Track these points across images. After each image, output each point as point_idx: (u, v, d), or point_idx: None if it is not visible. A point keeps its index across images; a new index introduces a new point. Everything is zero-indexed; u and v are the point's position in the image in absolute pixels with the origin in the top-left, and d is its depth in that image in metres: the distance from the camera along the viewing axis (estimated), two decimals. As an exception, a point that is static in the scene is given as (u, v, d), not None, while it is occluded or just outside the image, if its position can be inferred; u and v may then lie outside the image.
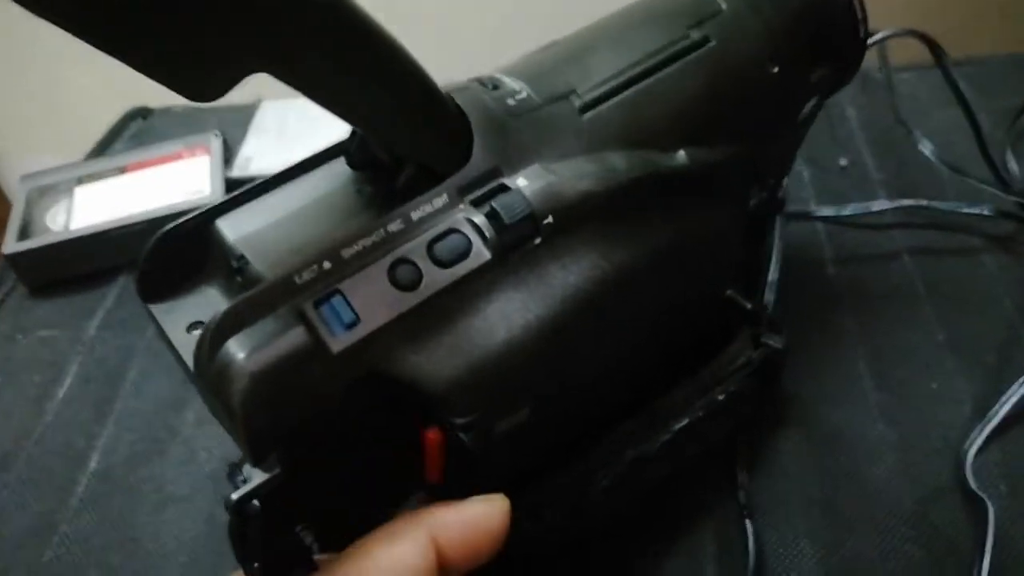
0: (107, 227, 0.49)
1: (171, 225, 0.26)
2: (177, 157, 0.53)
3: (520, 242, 0.24)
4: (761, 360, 0.36)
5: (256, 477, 0.22)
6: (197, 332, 0.25)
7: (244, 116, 0.57)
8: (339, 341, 0.22)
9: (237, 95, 0.60)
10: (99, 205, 0.51)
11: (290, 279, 0.22)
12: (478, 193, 0.25)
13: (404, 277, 0.23)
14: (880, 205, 0.48)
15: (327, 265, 0.22)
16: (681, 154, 0.30)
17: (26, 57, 0.99)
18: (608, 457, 0.32)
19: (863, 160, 0.52)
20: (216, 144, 0.54)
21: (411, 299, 0.23)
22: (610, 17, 0.33)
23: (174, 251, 0.26)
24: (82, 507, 0.39)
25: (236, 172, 0.51)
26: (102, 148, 0.62)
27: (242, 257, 0.25)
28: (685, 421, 0.33)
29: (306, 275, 0.22)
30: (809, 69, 0.34)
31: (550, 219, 0.25)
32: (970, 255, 0.46)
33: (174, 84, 0.19)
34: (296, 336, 0.21)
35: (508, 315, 0.25)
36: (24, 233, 0.50)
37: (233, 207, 0.27)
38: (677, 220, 0.29)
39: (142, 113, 0.66)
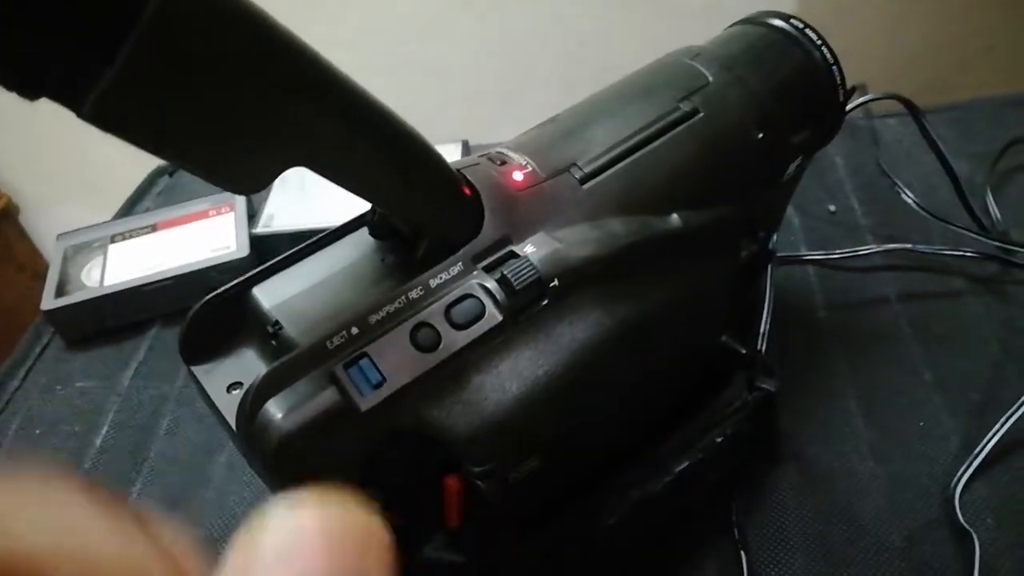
0: (140, 282, 0.52)
1: (212, 294, 0.29)
2: (204, 215, 0.57)
3: (529, 304, 0.27)
4: (756, 403, 0.38)
5: None
6: (237, 392, 0.27)
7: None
8: (367, 400, 0.24)
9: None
10: (132, 261, 0.54)
11: (322, 344, 0.24)
12: (489, 260, 0.27)
13: (425, 340, 0.25)
14: (867, 249, 0.50)
15: (355, 330, 0.25)
16: (675, 217, 0.32)
17: (52, 110, 1.03)
18: (614, 499, 0.34)
19: (851, 206, 0.55)
20: (241, 202, 0.57)
21: (431, 359, 0.25)
22: (605, 91, 0.36)
23: (214, 317, 0.29)
24: (120, 550, 0.42)
25: (260, 229, 0.54)
26: (131, 205, 0.66)
27: (277, 323, 0.27)
28: (686, 463, 0.36)
29: (336, 340, 0.25)
30: (792, 133, 0.37)
31: (556, 282, 0.27)
32: (955, 296, 0.48)
33: (223, 183, 0.22)
34: (328, 397, 0.24)
35: (519, 371, 0.27)
36: (61, 290, 0.53)
37: (267, 276, 0.29)
38: (673, 276, 0.32)
39: (168, 170, 0.70)
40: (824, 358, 0.45)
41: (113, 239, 0.56)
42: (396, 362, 0.25)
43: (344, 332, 0.25)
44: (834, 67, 0.38)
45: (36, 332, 0.55)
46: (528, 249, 0.28)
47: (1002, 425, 0.40)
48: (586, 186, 0.30)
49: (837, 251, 0.51)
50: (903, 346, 0.46)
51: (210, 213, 0.57)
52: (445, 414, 0.26)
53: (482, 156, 0.31)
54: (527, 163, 0.31)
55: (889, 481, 0.39)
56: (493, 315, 0.26)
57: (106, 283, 0.53)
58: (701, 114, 0.33)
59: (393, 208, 0.27)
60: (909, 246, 0.49)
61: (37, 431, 0.49)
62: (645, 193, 0.32)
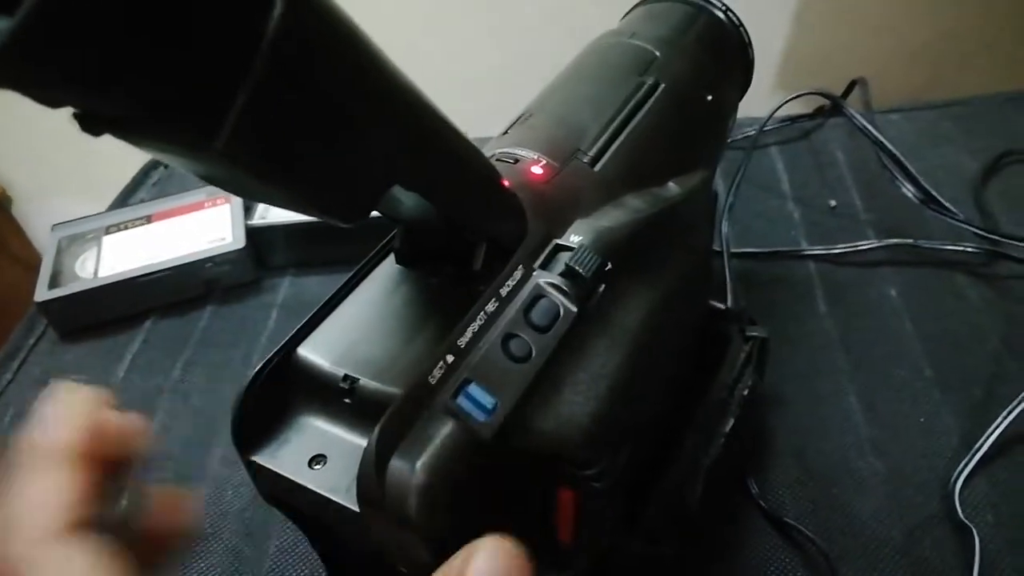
0: (134, 274, 0.52)
1: (252, 375, 0.25)
2: (199, 207, 0.56)
3: (592, 291, 0.26)
4: (758, 350, 0.38)
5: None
6: (321, 467, 0.24)
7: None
8: (487, 427, 0.22)
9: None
10: (126, 253, 0.54)
11: (424, 382, 0.22)
12: (542, 257, 0.27)
13: (518, 351, 0.24)
14: (868, 244, 0.50)
15: (450, 358, 0.23)
16: (671, 185, 0.32)
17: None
18: (690, 469, 0.34)
19: (852, 201, 0.55)
20: (236, 193, 0.56)
21: (529, 370, 0.24)
22: (564, 80, 0.36)
23: (262, 396, 0.25)
24: (114, 544, 0.41)
25: (256, 220, 0.53)
26: (126, 196, 0.65)
27: (347, 377, 0.24)
28: (732, 421, 0.36)
29: (437, 373, 0.22)
30: (727, 91, 0.39)
31: (609, 265, 0.27)
32: (955, 291, 0.48)
33: (331, 211, 0.21)
34: (453, 435, 0.22)
35: (602, 362, 0.26)
36: (55, 281, 0.52)
37: (306, 334, 0.26)
38: (680, 242, 0.32)
39: (163, 162, 0.69)
40: (824, 354, 0.45)
41: (108, 230, 0.56)
42: (499, 380, 0.23)
43: (441, 363, 0.23)
44: (741, 28, 0.41)
45: (29, 324, 0.55)
46: (574, 239, 0.27)
47: (1002, 421, 0.40)
48: (596, 168, 0.31)
49: (838, 246, 0.50)
50: (904, 342, 0.45)
51: (205, 204, 0.56)
52: (553, 424, 0.24)
53: (491, 157, 0.31)
54: (538, 156, 0.30)
55: (889, 477, 0.39)
56: (569, 310, 0.25)
57: (100, 274, 0.52)
58: (663, 86, 0.34)
59: (468, 216, 0.26)
60: (910, 241, 0.49)
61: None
62: (644, 166, 0.32)
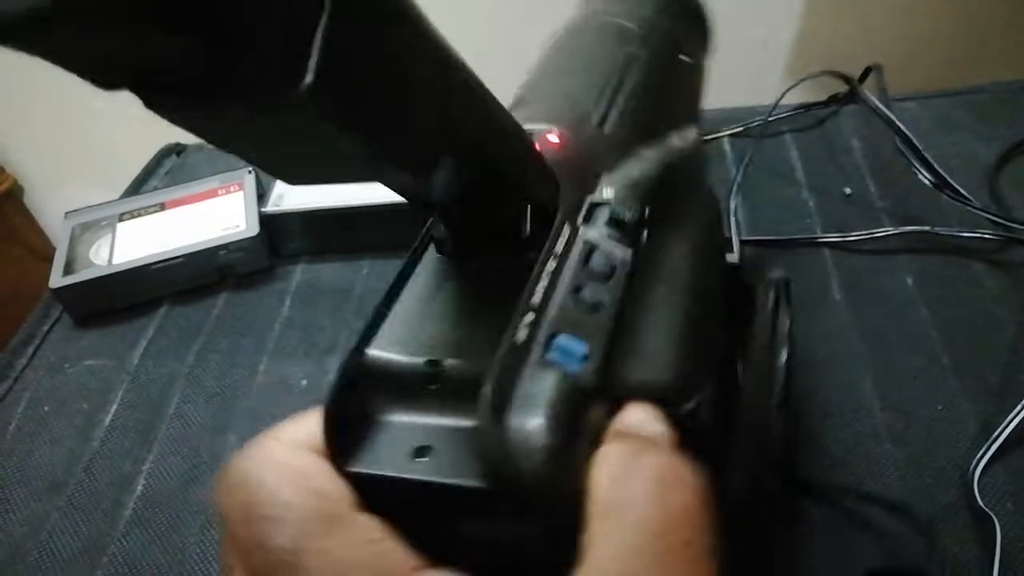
0: (148, 261, 0.52)
1: (333, 393, 0.23)
2: (213, 194, 0.56)
3: (638, 237, 0.27)
4: (782, 290, 0.38)
5: None
6: (427, 458, 0.23)
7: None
8: (586, 374, 0.22)
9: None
10: (140, 240, 0.54)
11: (513, 343, 0.22)
12: (583, 214, 0.27)
13: (590, 299, 0.24)
14: (884, 231, 0.50)
15: (530, 317, 0.23)
16: (674, 137, 0.33)
17: (59, 91, 1.03)
18: (768, 413, 0.34)
19: (867, 188, 0.54)
20: (250, 180, 0.56)
21: (604, 319, 0.24)
22: (549, 60, 0.37)
23: (343, 409, 0.24)
24: (129, 530, 0.42)
25: (270, 208, 0.54)
26: (138, 185, 0.65)
27: (431, 362, 0.24)
28: (786, 352, 0.35)
29: (522, 333, 0.22)
30: (697, 51, 0.41)
31: (647, 211, 0.27)
32: (972, 279, 0.47)
33: (395, 175, 0.21)
34: (559, 386, 0.22)
35: (669, 305, 0.26)
36: (69, 268, 0.53)
37: (370, 337, 0.25)
38: (697, 187, 0.33)
39: (176, 150, 0.69)
40: (840, 341, 0.45)
41: (121, 217, 0.56)
42: (582, 331, 0.23)
43: (524, 322, 0.22)
44: None
45: (44, 310, 0.55)
46: (607, 193, 0.28)
47: (1021, 409, 0.40)
48: (605, 128, 0.31)
49: (853, 233, 0.50)
50: (920, 329, 0.45)
51: (219, 192, 0.56)
52: (642, 366, 0.25)
53: None
54: (548, 127, 0.31)
55: (906, 464, 0.39)
56: (624, 257, 0.26)
57: (114, 261, 0.52)
58: (645, 53, 0.35)
59: (517, 179, 0.26)
60: (927, 228, 0.49)
61: (45, 408, 0.49)
62: (648, 122, 0.33)
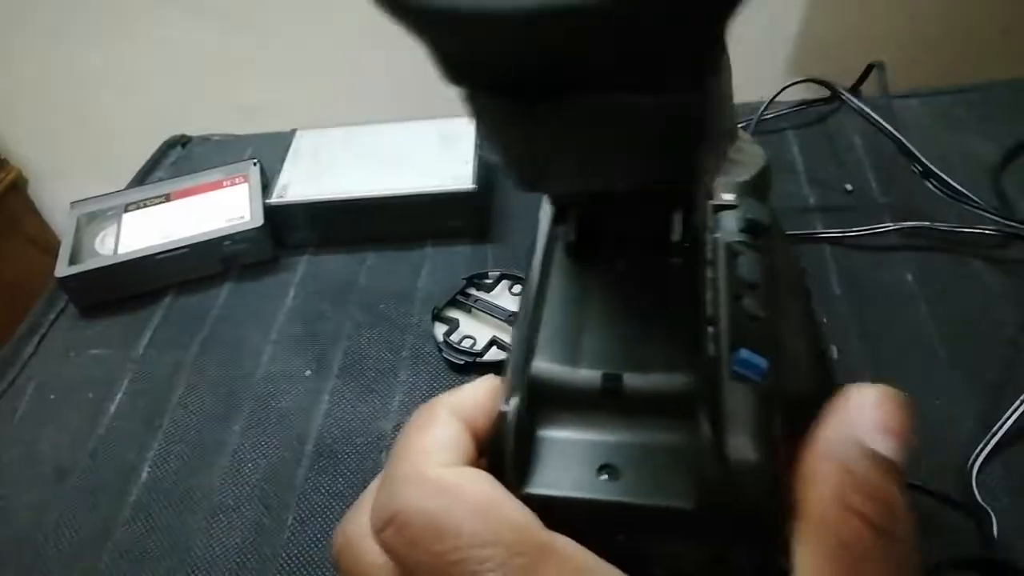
0: (153, 251, 0.52)
1: (512, 406, 0.22)
2: (218, 185, 0.57)
3: (768, 242, 0.26)
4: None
5: None
6: (612, 478, 0.22)
7: (277, 143, 0.60)
8: (766, 387, 0.22)
9: (271, 124, 0.63)
10: (146, 230, 0.54)
11: (707, 357, 0.21)
12: (715, 218, 0.27)
13: (751, 310, 0.24)
14: (884, 227, 0.50)
15: (711, 330, 0.22)
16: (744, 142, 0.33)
17: (66, 82, 1.03)
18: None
19: (868, 185, 0.54)
20: (255, 172, 0.57)
21: (767, 328, 0.23)
22: None
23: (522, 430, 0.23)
24: (134, 516, 0.42)
25: (275, 199, 0.54)
26: (143, 176, 0.66)
27: (609, 376, 0.22)
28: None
29: (711, 348, 0.22)
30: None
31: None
32: (972, 276, 0.48)
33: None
34: (757, 402, 0.21)
35: (794, 311, 0.26)
36: (75, 257, 0.53)
37: (524, 357, 0.24)
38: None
39: (181, 141, 0.69)
40: (838, 336, 0.45)
41: (127, 208, 0.56)
42: (752, 344, 0.22)
43: (710, 335, 0.22)
44: None
45: (50, 300, 0.55)
46: (725, 196, 0.27)
47: (1020, 405, 0.40)
48: None
49: (853, 229, 0.50)
50: (919, 325, 0.45)
51: (224, 184, 0.57)
52: (793, 372, 0.24)
53: None
54: None
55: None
56: (765, 263, 0.25)
57: (120, 251, 0.53)
58: None
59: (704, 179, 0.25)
60: (927, 224, 0.49)
61: (51, 396, 0.49)
62: (722, 120, 0.34)
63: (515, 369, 0.23)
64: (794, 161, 0.57)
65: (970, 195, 0.50)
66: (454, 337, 0.48)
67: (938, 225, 0.49)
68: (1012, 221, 0.48)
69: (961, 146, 0.54)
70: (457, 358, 0.46)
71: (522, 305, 0.25)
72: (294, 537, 0.40)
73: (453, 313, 0.50)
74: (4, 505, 0.44)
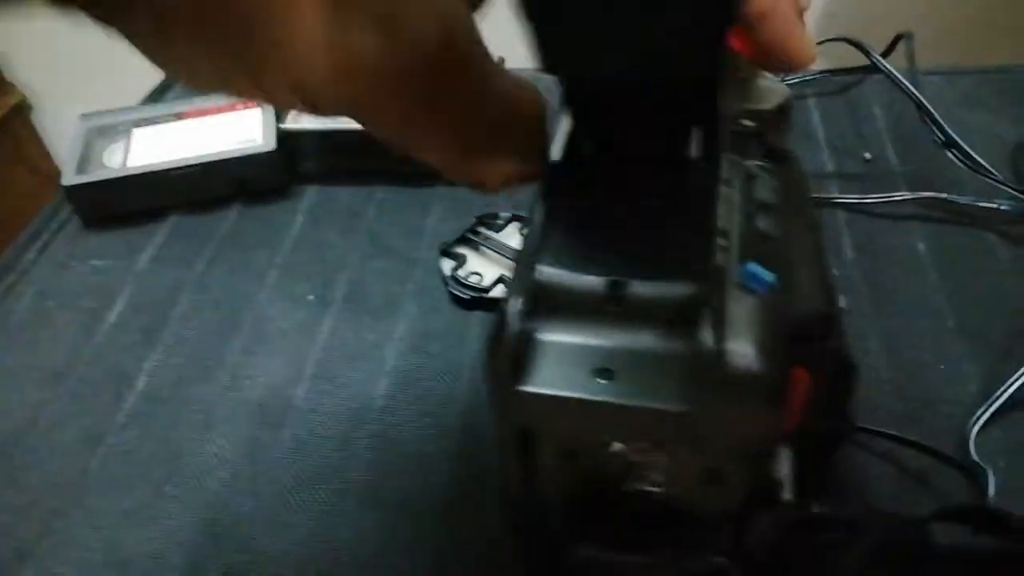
0: (163, 167, 0.51)
1: (514, 299, 0.22)
2: (232, 108, 0.56)
3: (784, 168, 0.27)
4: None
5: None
6: (609, 381, 0.21)
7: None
8: (771, 299, 0.22)
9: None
10: (155, 147, 0.53)
11: (715, 266, 0.21)
12: (735, 143, 0.26)
13: (764, 228, 0.24)
14: (900, 195, 0.50)
15: (723, 242, 0.22)
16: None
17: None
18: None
19: (887, 155, 0.54)
20: (269, 98, 0.56)
21: (778, 249, 0.23)
22: None
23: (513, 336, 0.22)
24: (129, 423, 0.42)
25: (289, 124, 0.53)
26: (155, 97, 0.65)
27: (614, 281, 0.22)
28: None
29: (721, 258, 0.22)
30: None
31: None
32: (985, 249, 0.47)
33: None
34: (763, 311, 0.21)
35: (808, 239, 0.27)
36: (82, 169, 0.52)
37: (536, 252, 0.23)
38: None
39: (194, 67, 0.68)
40: (849, 296, 0.45)
41: (138, 124, 0.55)
42: (761, 257, 0.23)
43: (719, 246, 0.22)
44: None
45: (54, 209, 0.55)
46: (745, 122, 0.28)
47: (1023, 373, 0.40)
48: None
49: (869, 196, 0.50)
50: (928, 292, 0.45)
51: (237, 107, 0.56)
52: (805, 301, 0.25)
53: None
54: None
55: (906, 418, 0.39)
56: (781, 188, 0.25)
57: (128, 165, 0.52)
58: None
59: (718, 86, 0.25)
60: (944, 195, 0.49)
61: (50, 303, 0.49)
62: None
63: (520, 271, 0.23)
64: (814, 128, 0.57)
65: (990, 169, 0.50)
66: (461, 272, 0.47)
67: (954, 197, 0.49)
68: (1030, 197, 0.48)
69: (982, 125, 0.53)
70: (463, 292, 0.46)
71: (533, 213, 0.25)
72: (288, 454, 0.40)
73: (461, 250, 0.49)
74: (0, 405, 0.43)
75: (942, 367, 0.42)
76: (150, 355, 0.45)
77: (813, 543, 0.27)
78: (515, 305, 0.22)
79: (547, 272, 0.23)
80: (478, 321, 0.46)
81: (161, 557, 0.36)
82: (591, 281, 0.22)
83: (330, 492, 0.38)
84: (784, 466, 0.26)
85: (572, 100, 0.26)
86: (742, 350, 0.20)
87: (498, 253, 0.48)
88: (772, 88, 0.33)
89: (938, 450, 0.37)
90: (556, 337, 0.22)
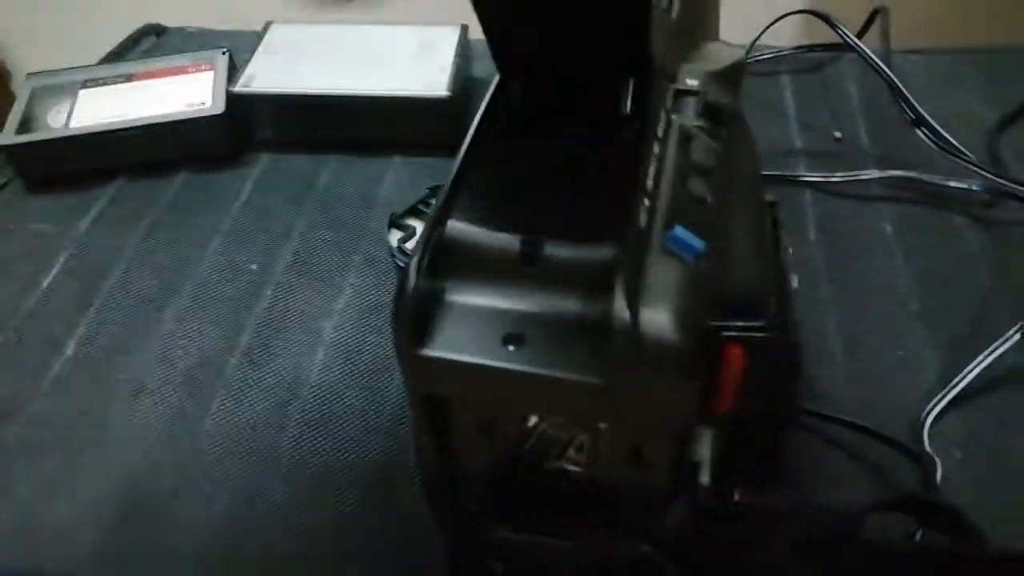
0: (106, 128, 0.50)
1: (414, 260, 0.20)
2: (183, 71, 0.54)
3: (726, 132, 0.25)
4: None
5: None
6: (518, 347, 0.20)
7: (254, 41, 0.58)
8: (701, 267, 0.20)
9: (250, 21, 0.59)
10: (101, 108, 0.52)
11: (636, 227, 0.20)
12: (670, 100, 0.25)
13: (696, 192, 0.22)
14: (868, 174, 0.48)
15: (646, 202, 0.21)
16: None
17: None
18: None
19: (858, 135, 0.52)
20: (222, 61, 0.54)
21: (711, 215, 0.22)
22: None
23: (419, 295, 0.21)
24: (53, 390, 0.40)
25: (239, 88, 0.51)
26: (112, 59, 0.63)
27: (528, 240, 0.21)
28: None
29: (643, 218, 0.20)
30: None
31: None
32: (953, 231, 0.46)
33: None
34: (685, 278, 0.20)
35: (749, 211, 0.26)
36: (24, 128, 0.51)
37: (450, 208, 0.22)
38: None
39: (156, 30, 0.67)
40: (808, 281, 0.43)
41: (85, 84, 0.53)
42: (692, 222, 0.21)
43: (644, 208, 0.20)
44: None
45: (-6, 171, 0.53)
46: (689, 81, 0.26)
47: (982, 360, 0.38)
48: (672, 11, 0.29)
49: (837, 174, 0.48)
50: (893, 276, 0.44)
51: (189, 70, 0.54)
52: (737, 267, 0.23)
53: None
54: None
55: (861, 405, 0.38)
56: (719, 151, 0.24)
57: (71, 125, 0.50)
58: None
59: (643, 41, 0.23)
60: (913, 174, 0.47)
61: (-16, 266, 0.47)
62: (703, 18, 0.31)
63: (427, 226, 0.21)
64: (786, 105, 0.55)
65: (963, 150, 0.48)
66: (409, 244, 0.46)
67: (924, 176, 0.47)
68: (1003, 179, 0.46)
69: (959, 104, 0.51)
70: (409, 264, 0.44)
71: (452, 167, 0.23)
72: (216, 425, 0.38)
73: (411, 221, 0.47)
74: (-81, 368, 0.42)
75: (901, 353, 0.40)
76: (81, 322, 0.43)
77: (732, 534, 0.26)
78: (418, 262, 0.20)
79: (456, 228, 0.21)
80: (423, 294, 0.44)
81: (73, 527, 0.35)
82: (503, 239, 0.21)
83: (255, 467, 0.37)
84: (704, 448, 0.25)
85: (502, 49, 0.24)
86: (658, 318, 0.19)
87: (448, 225, 0.46)
88: (724, 50, 0.31)
89: (890, 437, 0.36)
90: (464, 299, 0.21)
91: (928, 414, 0.37)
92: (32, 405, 0.40)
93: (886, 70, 0.49)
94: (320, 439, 0.37)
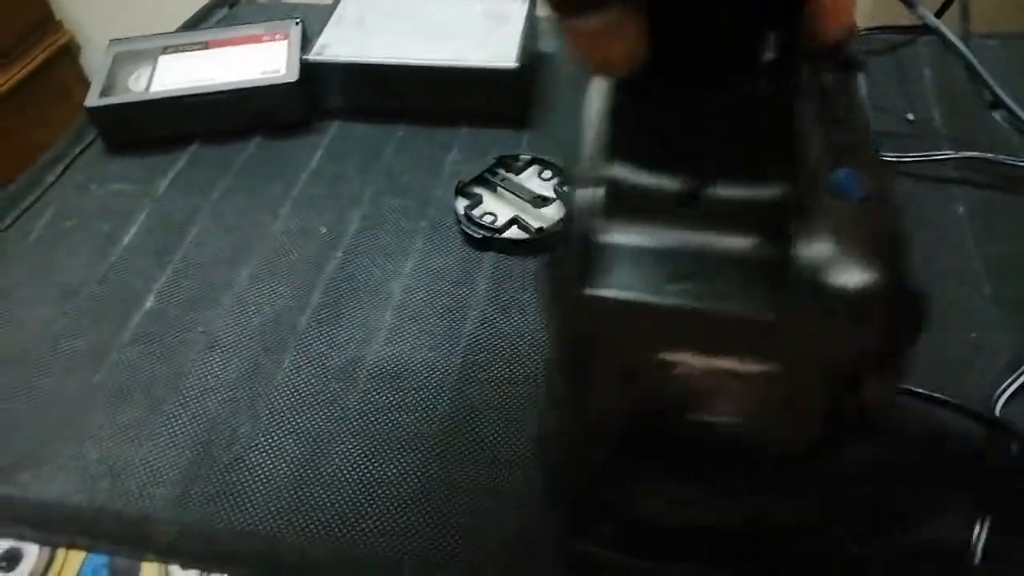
0: (184, 93, 0.51)
1: (588, 210, 0.21)
2: (258, 39, 0.55)
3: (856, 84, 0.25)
4: None
5: None
6: (684, 285, 0.20)
7: (325, 13, 0.59)
8: (867, 210, 0.20)
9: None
10: (180, 74, 0.53)
11: (811, 170, 0.20)
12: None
13: (840, 139, 0.22)
14: (942, 154, 0.47)
15: (809, 146, 0.21)
16: None
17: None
18: None
19: (932, 116, 0.51)
20: (296, 31, 0.55)
21: (861, 162, 0.22)
22: None
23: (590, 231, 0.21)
24: (134, 341, 0.42)
25: (312, 56, 0.52)
26: (186, 29, 0.65)
27: (692, 180, 0.21)
28: None
29: (813, 162, 0.20)
30: None
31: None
32: (1028, 216, 0.45)
33: None
34: (861, 217, 0.20)
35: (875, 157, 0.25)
36: (107, 92, 0.52)
37: (608, 157, 0.22)
38: None
39: (228, 2, 0.68)
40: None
41: (164, 51, 0.55)
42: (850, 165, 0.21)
43: (815, 155, 0.21)
44: None
45: (78, 133, 0.55)
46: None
47: (1059, 345, 0.38)
48: None
49: (910, 155, 0.47)
50: (965, 258, 0.43)
51: (264, 38, 0.55)
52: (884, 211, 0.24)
53: None
54: None
55: (933, 387, 0.37)
56: (862, 101, 0.24)
57: (152, 90, 0.52)
58: None
59: None
60: (988, 156, 0.46)
61: (68, 223, 0.49)
62: None
63: (586, 166, 0.21)
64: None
65: (1041, 135, 0.47)
66: (475, 212, 0.46)
67: (999, 158, 0.46)
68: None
69: (1039, 89, 0.50)
70: (476, 231, 0.45)
71: (587, 125, 0.23)
72: (288, 379, 0.39)
73: (477, 189, 0.48)
74: (13, 316, 0.44)
75: (973, 335, 0.40)
76: (160, 276, 0.45)
77: None
78: (585, 200, 0.20)
79: (620, 170, 0.21)
80: (489, 261, 0.44)
81: (155, 470, 0.36)
82: (669, 180, 0.21)
83: (325, 420, 0.38)
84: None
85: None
86: (837, 259, 0.18)
87: (514, 194, 0.47)
88: None
89: (974, 410, 0.35)
90: (629, 239, 0.20)
91: (999, 398, 0.36)
92: (115, 355, 0.41)
93: (966, 51, 0.48)
94: (388, 394, 0.38)
